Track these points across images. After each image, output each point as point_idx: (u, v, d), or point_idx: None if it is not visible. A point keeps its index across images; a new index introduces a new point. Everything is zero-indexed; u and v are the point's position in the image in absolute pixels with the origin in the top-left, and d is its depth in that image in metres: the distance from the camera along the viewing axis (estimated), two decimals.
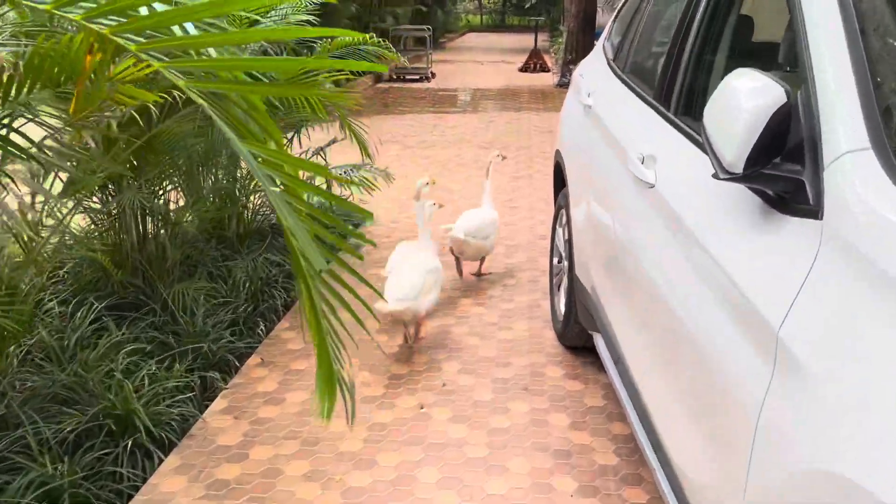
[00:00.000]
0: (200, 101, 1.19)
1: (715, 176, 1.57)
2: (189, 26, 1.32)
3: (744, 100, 1.50)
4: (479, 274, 4.67)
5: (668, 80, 2.43)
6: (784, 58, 2.27)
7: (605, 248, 2.72)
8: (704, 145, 1.62)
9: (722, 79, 2.23)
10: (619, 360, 2.58)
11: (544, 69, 15.06)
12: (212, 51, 1.36)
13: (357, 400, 3.22)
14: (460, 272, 4.62)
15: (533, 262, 4.88)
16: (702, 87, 2.32)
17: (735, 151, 1.48)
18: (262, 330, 3.79)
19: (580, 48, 12.93)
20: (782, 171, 1.48)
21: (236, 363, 3.48)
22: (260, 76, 3.45)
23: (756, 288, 1.50)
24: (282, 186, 1.18)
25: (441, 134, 9.13)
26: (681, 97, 2.34)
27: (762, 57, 2.52)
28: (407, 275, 3.55)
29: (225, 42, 1.30)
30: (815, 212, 1.40)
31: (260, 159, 1.19)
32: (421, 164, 7.61)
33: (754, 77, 1.53)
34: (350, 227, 5.18)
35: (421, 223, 3.90)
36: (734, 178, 1.52)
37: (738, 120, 1.48)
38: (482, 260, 4.66)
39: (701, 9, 2.35)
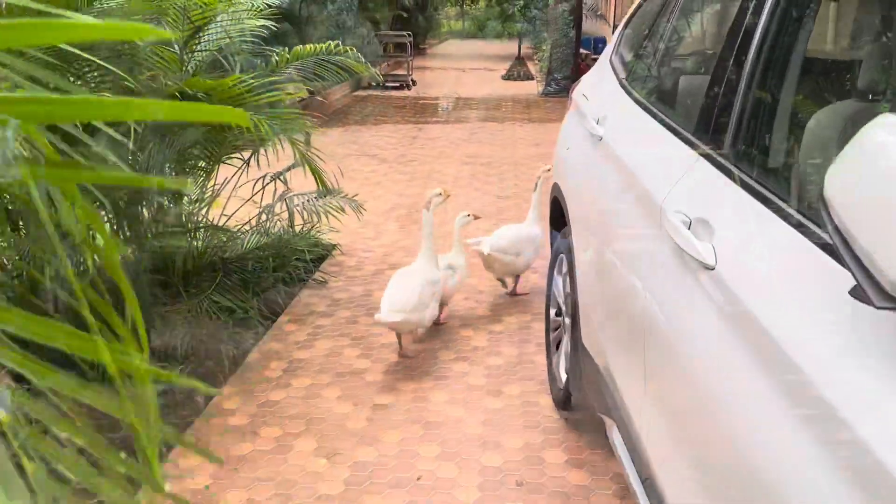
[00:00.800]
0: None
1: (862, 298, 0.95)
2: None
3: None
4: (513, 293, 4.37)
5: (718, 112, 1.81)
6: (867, 83, 1.68)
7: (628, 326, 2.08)
8: (832, 239, 1.00)
9: (799, 108, 1.61)
10: (647, 479, 1.95)
11: (528, 77, 14.53)
12: None
13: (310, 499, 2.59)
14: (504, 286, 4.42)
15: (524, 303, 4.26)
16: (770, 120, 1.70)
17: None
18: (199, 400, 3.13)
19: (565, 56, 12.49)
20: None
21: (163, 448, 2.82)
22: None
23: None
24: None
25: (421, 147, 8.51)
26: (738, 136, 1.71)
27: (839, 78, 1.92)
28: (403, 286, 3.51)
29: None
30: None
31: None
32: (398, 181, 6.99)
33: None
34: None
35: (427, 234, 3.72)
36: None
37: None
38: (516, 279, 4.36)
39: (765, 14, 1.73)
